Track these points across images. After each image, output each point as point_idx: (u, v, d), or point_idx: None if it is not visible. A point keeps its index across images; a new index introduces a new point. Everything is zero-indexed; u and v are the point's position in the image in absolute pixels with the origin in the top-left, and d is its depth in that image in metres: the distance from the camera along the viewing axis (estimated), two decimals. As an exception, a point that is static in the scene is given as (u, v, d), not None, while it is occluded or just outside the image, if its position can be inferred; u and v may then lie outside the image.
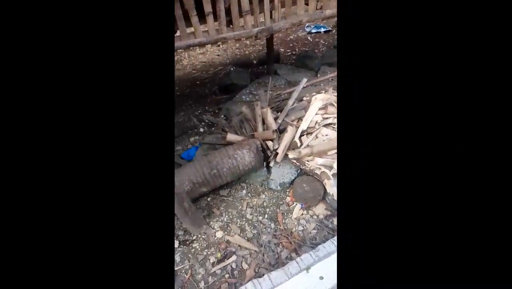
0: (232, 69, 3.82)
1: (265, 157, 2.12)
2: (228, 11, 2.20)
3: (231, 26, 2.29)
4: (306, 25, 4.58)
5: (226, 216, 1.99)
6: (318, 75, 3.12)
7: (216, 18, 2.19)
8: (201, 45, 2.25)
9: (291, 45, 4.47)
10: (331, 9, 2.43)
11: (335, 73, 2.88)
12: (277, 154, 2.13)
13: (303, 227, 1.87)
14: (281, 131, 2.29)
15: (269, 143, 2.19)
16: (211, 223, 1.95)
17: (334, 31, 4.56)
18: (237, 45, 4.72)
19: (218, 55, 4.51)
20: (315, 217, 1.92)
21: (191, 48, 2.23)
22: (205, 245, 1.83)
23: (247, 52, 4.53)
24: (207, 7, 2.09)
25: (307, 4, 2.39)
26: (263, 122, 2.36)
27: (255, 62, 4.12)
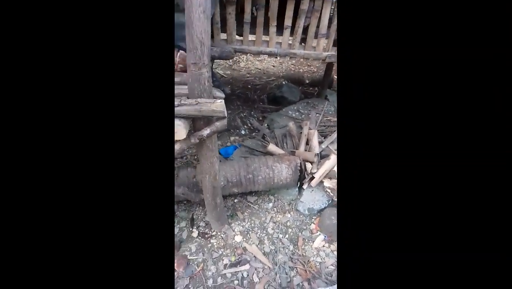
0: (284, 82, 3.88)
1: (300, 177, 2.11)
2: (305, 30, 2.26)
3: (303, 44, 2.34)
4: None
5: (248, 223, 1.99)
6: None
7: (292, 33, 2.25)
8: (272, 55, 2.32)
9: (346, 75, 4.47)
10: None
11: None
12: (313, 178, 2.11)
13: (321, 259, 1.82)
14: (322, 156, 2.27)
15: (308, 165, 2.18)
16: (233, 225, 1.96)
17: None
18: (293, 61, 4.80)
19: (273, 66, 4.61)
20: (336, 252, 1.86)
21: (261, 54, 2.30)
22: (222, 244, 1.84)
23: (301, 70, 4.59)
24: (288, 22, 2.16)
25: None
26: (307, 143, 2.36)
27: (307, 82, 4.16)
